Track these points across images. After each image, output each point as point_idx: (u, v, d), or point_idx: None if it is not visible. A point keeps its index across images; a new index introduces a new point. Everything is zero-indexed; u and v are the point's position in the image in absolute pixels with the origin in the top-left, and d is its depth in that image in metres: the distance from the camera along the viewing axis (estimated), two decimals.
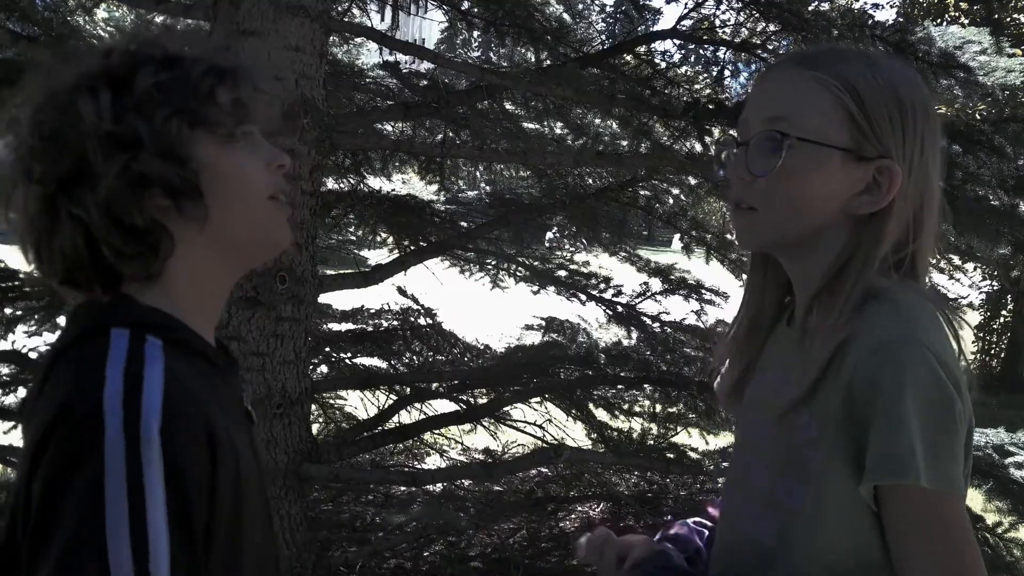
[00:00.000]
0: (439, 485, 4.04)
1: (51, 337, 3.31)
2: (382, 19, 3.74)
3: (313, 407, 3.70)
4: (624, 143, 4.05)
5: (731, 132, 1.08)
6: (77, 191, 0.84)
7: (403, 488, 4.10)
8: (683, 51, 4.25)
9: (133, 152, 0.84)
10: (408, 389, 3.91)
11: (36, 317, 3.26)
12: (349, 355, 4.05)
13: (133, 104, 0.85)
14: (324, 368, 4.11)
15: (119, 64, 0.88)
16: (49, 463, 0.76)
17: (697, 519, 1.19)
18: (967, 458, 0.91)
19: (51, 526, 0.74)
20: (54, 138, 0.84)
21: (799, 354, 0.96)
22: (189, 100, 0.87)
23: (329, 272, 3.51)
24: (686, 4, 3.59)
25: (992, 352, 10.37)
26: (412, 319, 3.99)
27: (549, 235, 4.68)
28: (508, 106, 3.91)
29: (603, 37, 4.55)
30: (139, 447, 0.75)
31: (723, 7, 3.65)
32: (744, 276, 3.91)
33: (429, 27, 4.96)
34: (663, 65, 4.08)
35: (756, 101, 1.02)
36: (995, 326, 10.40)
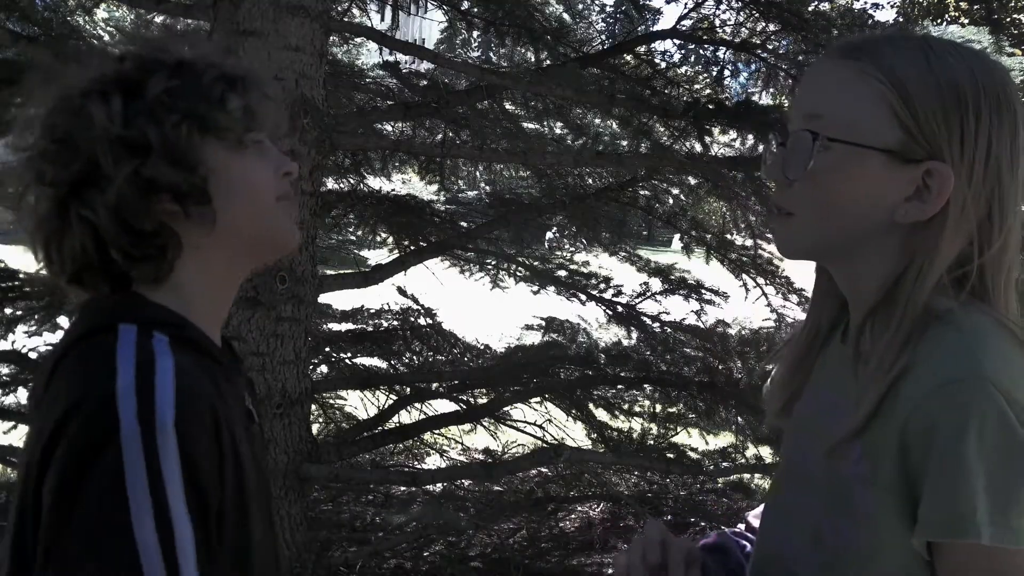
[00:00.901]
0: (439, 485, 4.04)
1: (51, 337, 3.31)
2: (382, 19, 3.74)
3: (313, 407, 3.70)
4: (624, 143, 4.05)
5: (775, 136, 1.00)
6: (87, 194, 0.85)
7: (403, 488, 4.10)
8: (683, 51, 4.25)
9: (143, 157, 0.85)
10: (408, 389, 3.92)
11: (36, 317, 3.26)
12: (349, 355, 4.05)
13: (144, 109, 0.86)
14: (324, 368, 4.11)
15: (131, 69, 0.89)
16: (64, 455, 0.77)
17: (735, 530, 1.13)
18: None
19: (70, 516, 0.75)
20: (66, 141, 0.86)
21: (852, 378, 0.88)
22: (199, 106, 0.89)
23: (329, 272, 3.52)
24: (686, 4, 3.59)
25: None
26: (412, 319, 3.99)
27: (549, 235, 4.68)
28: (508, 106, 3.91)
29: (603, 37, 4.56)
30: (155, 437, 0.76)
31: (723, 7, 3.66)
32: (744, 276, 3.91)
33: (429, 27, 4.96)
34: (663, 65, 4.09)
35: (798, 96, 0.94)
36: None
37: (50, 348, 3.31)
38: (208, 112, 0.89)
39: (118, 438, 0.76)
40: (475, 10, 3.72)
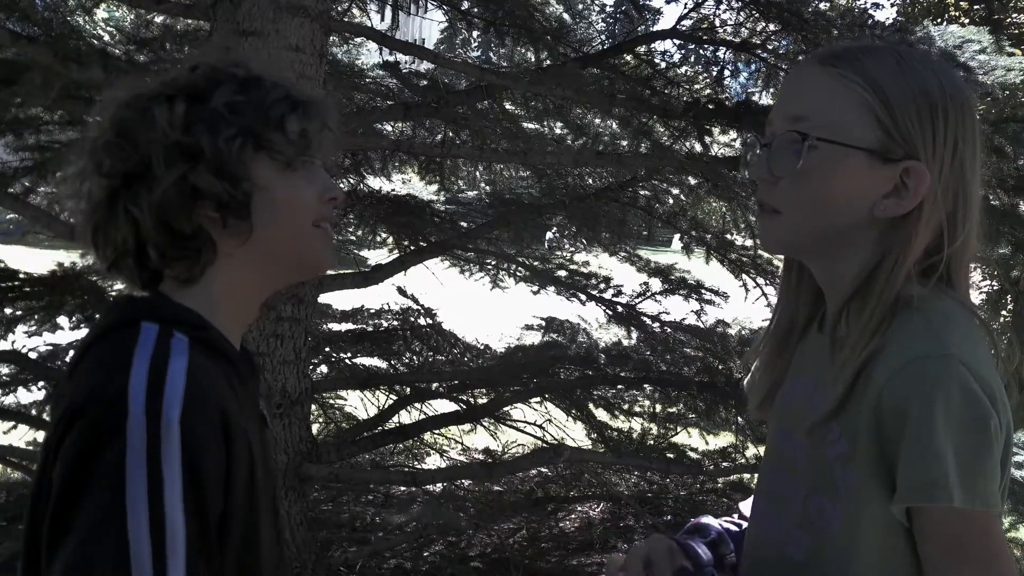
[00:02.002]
0: (439, 485, 4.04)
1: (51, 337, 3.31)
2: (382, 19, 3.74)
3: (313, 407, 3.70)
4: (624, 143, 4.05)
5: (755, 134, 1.04)
6: (137, 188, 0.89)
7: (403, 488, 4.10)
8: (683, 51, 4.24)
9: (193, 163, 0.89)
10: (408, 389, 3.92)
11: (36, 317, 3.26)
12: (349, 355, 4.05)
13: (205, 117, 0.91)
14: (324, 368, 4.11)
15: (201, 78, 0.94)
16: (73, 444, 0.79)
17: (727, 518, 1.16)
18: (1004, 472, 0.87)
19: (75, 502, 0.77)
20: (127, 136, 0.91)
21: (829, 363, 0.93)
22: (258, 124, 0.93)
23: (329, 272, 3.51)
24: (686, 4, 3.59)
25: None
26: (412, 319, 3.99)
27: (549, 235, 4.68)
28: (508, 106, 3.91)
29: (603, 37, 4.56)
30: (159, 433, 0.78)
31: (723, 7, 3.66)
32: (744, 276, 3.91)
33: (429, 27, 4.97)
34: (663, 65, 4.08)
35: (780, 101, 1.00)
36: (995, 326, 10.38)
37: (50, 348, 3.32)
38: (264, 130, 0.93)
39: (124, 431, 0.78)
40: (475, 10, 3.72)
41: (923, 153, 0.90)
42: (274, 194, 0.94)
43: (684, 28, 3.60)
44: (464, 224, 4.08)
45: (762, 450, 3.79)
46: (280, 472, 2.81)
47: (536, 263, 4.17)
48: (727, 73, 4.11)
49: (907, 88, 0.91)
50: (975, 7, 9.63)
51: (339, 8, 3.59)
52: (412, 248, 3.83)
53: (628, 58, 3.77)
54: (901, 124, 0.90)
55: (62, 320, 3.22)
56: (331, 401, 4.58)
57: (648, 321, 3.93)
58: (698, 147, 3.34)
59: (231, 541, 0.84)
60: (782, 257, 1.11)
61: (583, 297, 4.06)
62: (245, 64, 0.98)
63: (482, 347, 4.12)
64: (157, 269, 0.93)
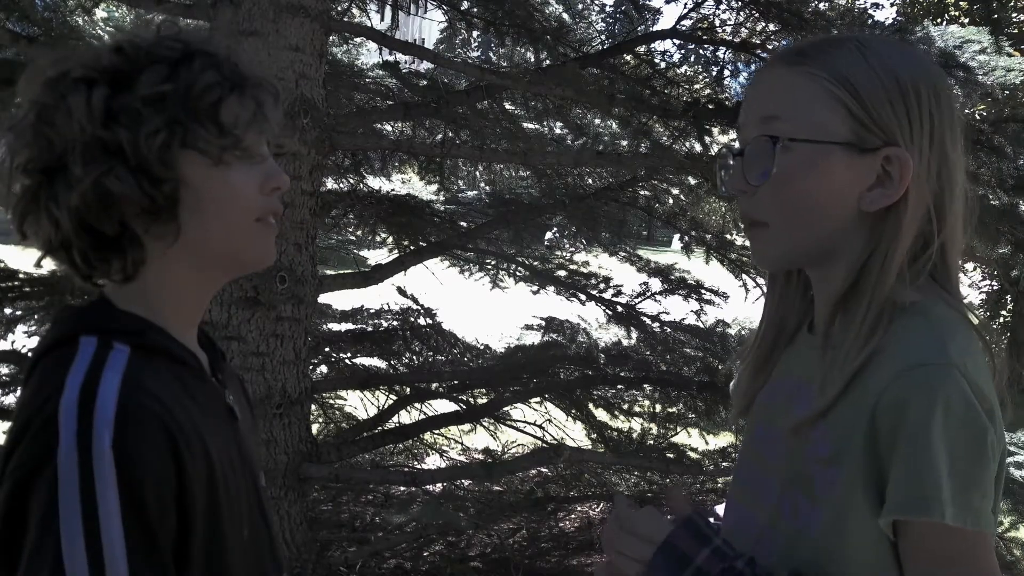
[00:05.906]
0: (439, 485, 4.04)
1: None
2: (382, 19, 3.74)
3: (313, 407, 3.70)
4: (624, 143, 4.05)
5: (731, 143, 1.00)
6: (56, 188, 0.83)
7: (403, 488, 4.10)
8: (683, 51, 4.24)
9: (111, 163, 0.82)
10: (408, 389, 3.92)
11: (36, 317, 3.26)
12: (349, 355, 4.05)
13: (127, 108, 0.83)
14: (324, 368, 4.11)
15: (127, 60, 0.85)
16: (10, 475, 0.76)
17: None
18: (997, 491, 0.84)
19: (16, 537, 0.75)
20: (45, 127, 0.83)
21: (819, 364, 0.89)
22: (184, 116, 0.84)
23: (329, 272, 3.52)
24: (686, 4, 3.59)
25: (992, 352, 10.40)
26: (412, 319, 3.99)
27: (549, 235, 4.68)
28: (508, 106, 3.91)
29: (603, 37, 4.55)
30: (91, 459, 0.74)
31: (723, 7, 3.66)
32: (744, 276, 3.91)
33: (429, 27, 4.96)
34: (663, 65, 4.09)
35: (749, 104, 0.96)
36: (995, 326, 10.40)
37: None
38: (192, 124, 0.84)
39: (55, 462, 0.74)
40: (475, 10, 3.72)
41: (901, 138, 0.88)
42: (205, 191, 0.86)
43: (684, 28, 3.60)
44: (464, 224, 4.08)
45: None
46: (280, 472, 2.81)
47: (536, 263, 4.18)
48: (727, 73, 4.11)
49: (874, 74, 0.88)
50: (975, 7, 9.62)
51: (339, 8, 3.60)
52: (412, 248, 3.83)
53: (628, 58, 3.77)
54: (873, 112, 0.88)
55: None
56: (331, 401, 4.58)
57: (648, 321, 3.93)
58: (698, 147, 3.35)
59: (193, 558, 0.81)
60: None
61: (583, 297, 4.06)
62: (179, 37, 0.89)
63: (482, 347, 4.12)
64: (85, 273, 0.86)
